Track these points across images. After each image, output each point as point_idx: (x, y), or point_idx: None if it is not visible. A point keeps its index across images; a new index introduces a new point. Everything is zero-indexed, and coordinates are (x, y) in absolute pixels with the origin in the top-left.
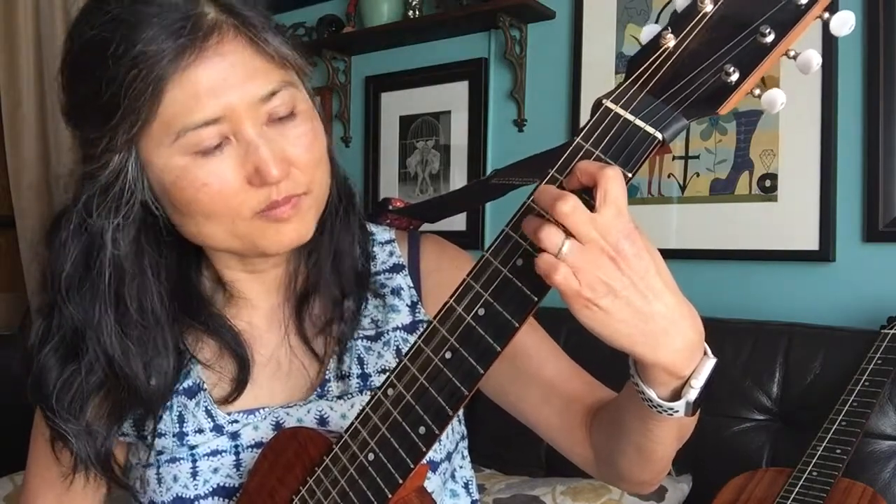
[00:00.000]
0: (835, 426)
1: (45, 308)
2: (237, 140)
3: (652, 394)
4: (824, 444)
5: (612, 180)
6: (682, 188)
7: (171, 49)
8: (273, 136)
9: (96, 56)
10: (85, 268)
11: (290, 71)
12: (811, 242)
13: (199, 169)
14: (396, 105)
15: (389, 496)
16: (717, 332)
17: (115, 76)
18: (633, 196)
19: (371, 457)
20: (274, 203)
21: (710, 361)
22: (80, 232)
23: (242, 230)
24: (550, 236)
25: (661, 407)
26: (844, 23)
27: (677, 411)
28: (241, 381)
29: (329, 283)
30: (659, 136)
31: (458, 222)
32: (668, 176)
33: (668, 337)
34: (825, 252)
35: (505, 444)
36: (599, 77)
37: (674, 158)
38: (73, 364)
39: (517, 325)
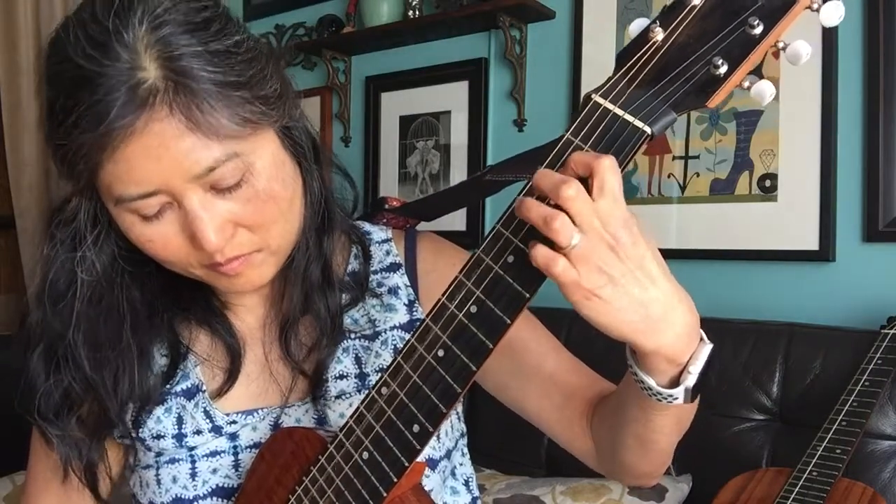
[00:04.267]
0: (835, 426)
1: (37, 312)
2: (178, 205)
3: (651, 382)
4: (824, 444)
5: (609, 169)
6: (682, 188)
7: (103, 129)
8: (217, 202)
9: (47, 110)
10: (63, 284)
11: (239, 139)
12: (811, 242)
13: (143, 227)
14: (396, 105)
15: (385, 494)
16: (717, 332)
17: (59, 134)
18: (633, 196)
19: (366, 455)
20: (217, 263)
21: (707, 347)
22: (58, 252)
23: (197, 273)
24: (565, 228)
25: (660, 395)
26: (834, 13)
27: (677, 398)
28: (232, 372)
29: (317, 284)
30: (647, 129)
31: (457, 222)
32: (668, 176)
33: (667, 323)
34: (825, 252)
35: (505, 444)
36: (599, 77)
37: (674, 158)
38: (58, 372)
39: (509, 321)
